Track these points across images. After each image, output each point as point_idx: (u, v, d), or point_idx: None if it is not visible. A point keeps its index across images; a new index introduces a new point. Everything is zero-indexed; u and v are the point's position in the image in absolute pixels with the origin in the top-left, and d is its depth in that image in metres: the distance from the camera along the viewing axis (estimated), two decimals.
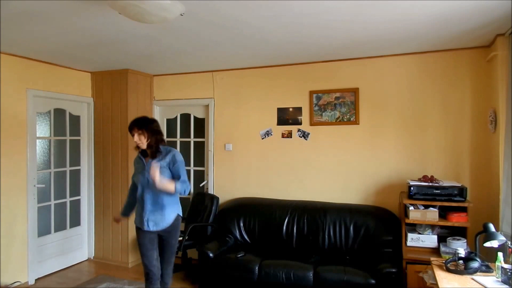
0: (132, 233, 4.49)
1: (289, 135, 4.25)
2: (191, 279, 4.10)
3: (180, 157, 2.90)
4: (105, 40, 3.27)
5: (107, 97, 4.69)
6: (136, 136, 2.81)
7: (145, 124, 2.85)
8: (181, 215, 3.02)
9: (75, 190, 4.71)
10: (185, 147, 4.92)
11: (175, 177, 2.85)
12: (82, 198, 4.78)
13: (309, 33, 3.05)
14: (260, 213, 4.00)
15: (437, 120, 3.64)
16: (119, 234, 4.62)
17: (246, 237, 4.00)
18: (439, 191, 3.17)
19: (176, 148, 4.93)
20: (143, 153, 2.94)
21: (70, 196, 4.62)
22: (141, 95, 4.76)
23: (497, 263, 2.24)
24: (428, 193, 3.19)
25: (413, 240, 3.22)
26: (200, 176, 4.83)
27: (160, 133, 2.92)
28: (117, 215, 3.21)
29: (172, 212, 2.92)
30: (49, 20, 2.72)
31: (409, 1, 2.36)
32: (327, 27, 2.88)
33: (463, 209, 3.10)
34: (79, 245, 4.73)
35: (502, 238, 2.36)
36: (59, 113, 4.49)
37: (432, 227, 3.23)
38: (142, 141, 2.82)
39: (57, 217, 4.48)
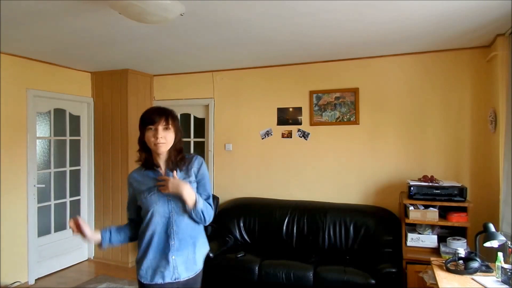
0: None
1: (289, 135, 4.25)
2: None
3: (206, 167, 2.01)
4: (105, 40, 3.27)
5: (107, 97, 4.69)
6: (161, 130, 1.77)
7: (175, 116, 1.88)
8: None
9: (75, 190, 4.71)
10: (185, 147, 4.89)
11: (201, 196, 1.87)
12: (82, 198, 4.78)
13: (309, 33, 3.05)
14: (260, 213, 4.00)
15: (437, 120, 3.63)
16: None
17: (246, 237, 4.00)
18: (439, 191, 3.17)
19: None
20: (147, 164, 1.87)
21: (70, 196, 4.62)
22: (141, 95, 4.76)
23: (497, 263, 2.24)
24: (428, 193, 3.19)
25: (413, 240, 3.22)
26: None
27: (182, 133, 1.97)
28: (76, 218, 1.75)
29: (204, 249, 1.96)
30: (49, 20, 2.72)
31: (409, 1, 2.36)
32: (327, 27, 2.88)
33: (463, 209, 3.09)
34: (79, 245, 4.73)
35: (502, 238, 2.36)
36: (59, 113, 4.49)
37: (432, 227, 3.23)
38: (168, 140, 1.81)
39: (57, 217, 4.47)
